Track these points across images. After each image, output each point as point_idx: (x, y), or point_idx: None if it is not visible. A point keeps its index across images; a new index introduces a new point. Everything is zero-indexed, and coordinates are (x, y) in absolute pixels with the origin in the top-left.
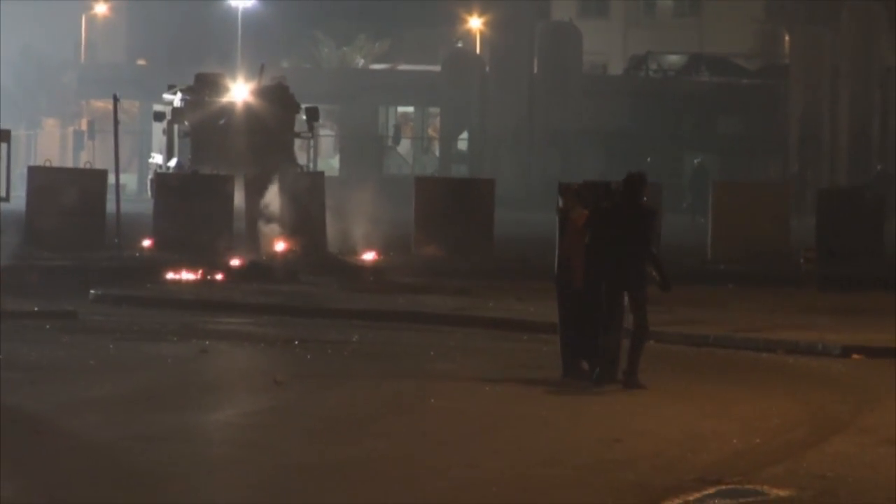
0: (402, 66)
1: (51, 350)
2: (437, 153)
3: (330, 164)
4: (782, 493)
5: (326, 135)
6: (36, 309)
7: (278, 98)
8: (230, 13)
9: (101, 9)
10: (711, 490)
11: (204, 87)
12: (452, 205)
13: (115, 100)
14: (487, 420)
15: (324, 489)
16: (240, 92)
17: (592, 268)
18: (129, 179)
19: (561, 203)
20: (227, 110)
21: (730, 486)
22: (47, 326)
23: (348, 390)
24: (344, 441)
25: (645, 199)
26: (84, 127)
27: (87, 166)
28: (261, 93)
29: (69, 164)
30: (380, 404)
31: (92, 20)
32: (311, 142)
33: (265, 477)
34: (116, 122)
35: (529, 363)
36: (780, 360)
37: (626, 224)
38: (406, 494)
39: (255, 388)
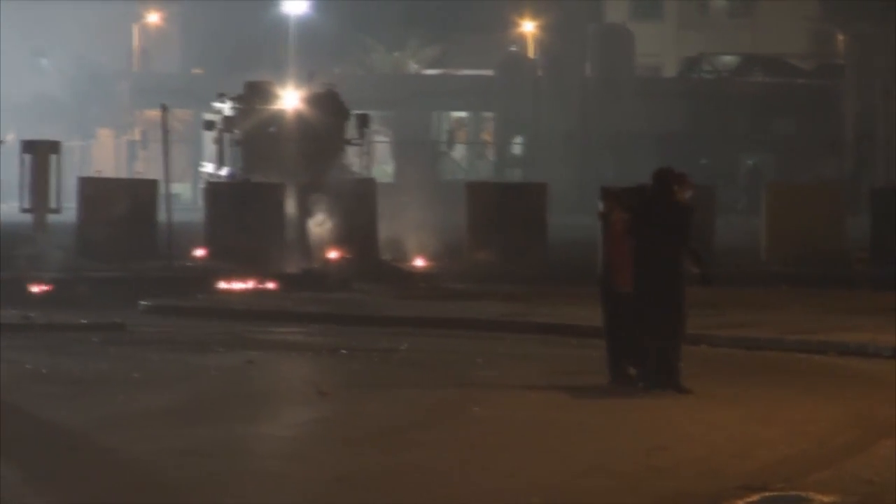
0: (456, 71)
1: (95, 363)
2: (492, 158)
3: (385, 170)
4: (827, 499)
5: (381, 141)
6: (84, 321)
7: (329, 105)
8: (283, 20)
9: (153, 18)
10: (755, 497)
11: (254, 95)
12: (505, 210)
13: (164, 109)
14: (531, 428)
15: (362, 499)
16: (290, 99)
17: (638, 271)
18: (183, 189)
19: (601, 207)
20: (278, 118)
21: (774, 493)
22: (94, 339)
23: (392, 399)
24: (385, 451)
25: (688, 194)
26: (137, 137)
27: (138, 176)
28: (311, 100)
29: (123, 174)
30: (423, 413)
31: (144, 29)
32: (365, 148)
33: (304, 489)
34: (166, 131)
35: (578, 369)
36: (831, 363)
37: (659, 221)
38: (444, 503)
39: (298, 399)
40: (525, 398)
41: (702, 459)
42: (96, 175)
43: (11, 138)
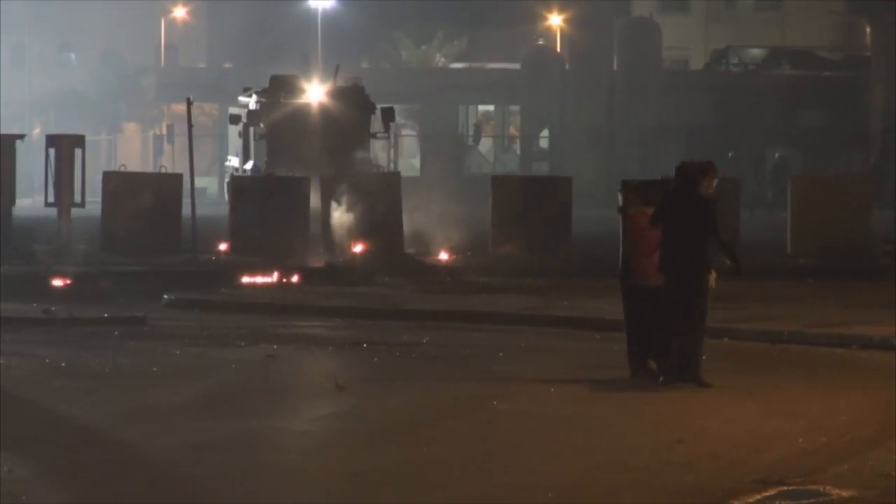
0: (482, 65)
1: (115, 357)
2: (518, 152)
3: (411, 164)
4: (845, 493)
5: (408, 135)
6: (105, 315)
7: (353, 99)
8: (310, 14)
9: (180, 13)
10: (772, 491)
11: (279, 89)
12: (529, 203)
13: (189, 103)
14: (549, 423)
15: (378, 494)
16: (315, 93)
17: (662, 264)
18: (209, 183)
19: (621, 201)
20: (303, 112)
21: (791, 487)
22: (115, 333)
23: (411, 393)
24: (403, 445)
25: (714, 183)
26: (163, 131)
27: (163, 170)
28: (336, 94)
29: (150, 168)
30: (441, 407)
31: (172, 24)
32: (391, 142)
33: (321, 484)
34: (190, 125)
35: (599, 363)
36: (854, 356)
37: (683, 214)
38: (460, 498)
39: (316, 393)
40: (545, 392)
41: (720, 454)
42: (120, 170)
43: (38, 133)
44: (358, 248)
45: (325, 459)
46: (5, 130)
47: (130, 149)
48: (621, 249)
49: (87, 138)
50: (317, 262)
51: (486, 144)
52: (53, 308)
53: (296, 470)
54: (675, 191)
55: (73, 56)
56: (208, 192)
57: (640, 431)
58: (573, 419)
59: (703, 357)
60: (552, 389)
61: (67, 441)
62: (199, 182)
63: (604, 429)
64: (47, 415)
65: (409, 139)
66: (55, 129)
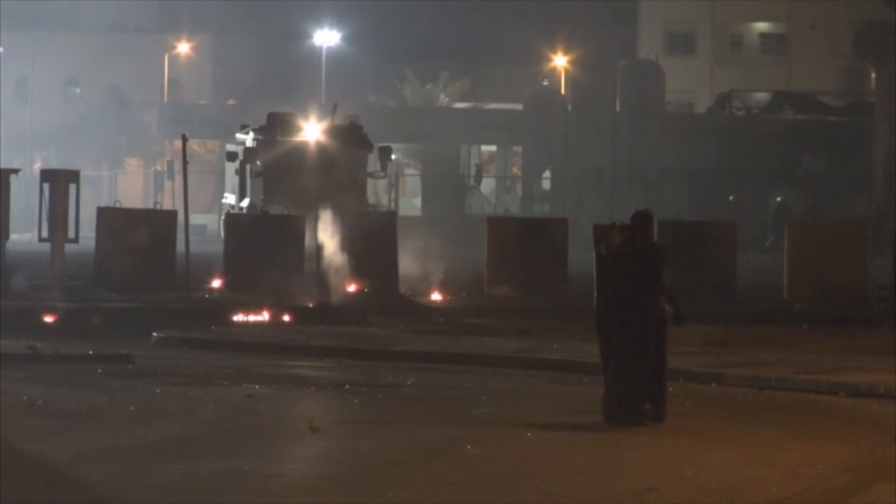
0: (485, 105)
1: (94, 395)
2: (520, 192)
3: (413, 203)
4: None
5: (411, 174)
6: (90, 352)
7: (351, 137)
8: (315, 52)
9: (184, 48)
10: None
11: (276, 126)
12: (525, 244)
13: (185, 140)
14: (521, 468)
15: None
16: (312, 131)
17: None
18: (209, 220)
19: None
20: (299, 150)
21: None
22: (99, 370)
23: (386, 436)
24: (368, 490)
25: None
26: (164, 167)
27: (158, 206)
28: (333, 132)
29: (150, 204)
30: (413, 450)
31: (176, 60)
32: (392, 181)
33: None
34: (185, 161)
35: (581, 407)
36: (840, 403)
37: (633, 260)
38: None
39: (290, 434)
40: (521, 437)
41: (690, 502)
42: (115, 205)
43: (38, 167)
44: (351, 287)
45: (290, 503)
46: (6, 164)
47: (131, 184)
48: (595, 290)
49: (88, 173)
50: (309, 300)
51: (488, 185)
52: (39, 344)
53: None
54: (631, 237)
55: (77, 90)
56: (208, 229)
57: (612, 479)
58: (546, 464)
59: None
60: (529, 434)
61: (30, 480)
62: (200, 219)
63: (575, 475)
64: (13, 453)
65: (411, 178)
66: (56, 164)
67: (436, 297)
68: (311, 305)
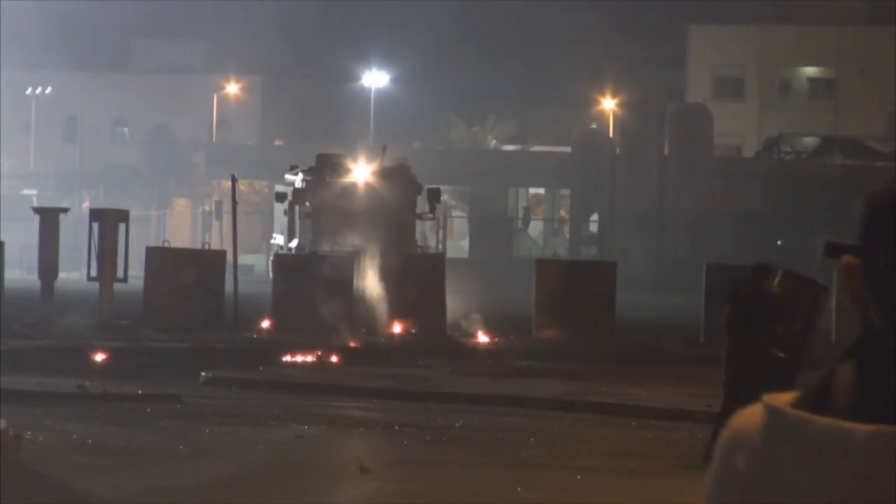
0: (533, 147)
1: (143, 434)
2: (568, 235)
3: (460, 245)
4: None
5: (458, 216)
6: (139, 391)
7: (399, 179)
8: (363, 94)
9: (233, 89)
10: None
11: (325, 167)
12: (574, 287)
13: (234, 180)
14: None
15: None
16: (361, 173)
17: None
18: (257, 260)
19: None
20: (348, 191)
21: None
22: (147, 409)
23: (435, 478)
24: None
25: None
26: (212, 207)
27: (206, 247)
28: (382, 174)
29: (198, 244)
30: (464, 493)
31: (224, 100)
32: (440, 223)
33: None
34: (234, 201)
35: (631, 451)
36: None
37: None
38: None
39: (339, 476)
40: (571, 480)
41: None
42: (164, 245)
43: (86, 206)
44: (399, 328)
45: None
46: (55, 203)
47: (180, 224)
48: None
49: (137, 213)
50: (357, 341)
51: (535, 227)
52: (87, 383)
53: None
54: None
55: (126, 130)
56: (256, 270)
57: None
58: None
59: None
60: (579, 477)
61: None
62: (247, 259)
63: None
64: (62, 492)
65: (458, 220)
66: (105, 203)
67: (483, 339)
68: (359, 346)
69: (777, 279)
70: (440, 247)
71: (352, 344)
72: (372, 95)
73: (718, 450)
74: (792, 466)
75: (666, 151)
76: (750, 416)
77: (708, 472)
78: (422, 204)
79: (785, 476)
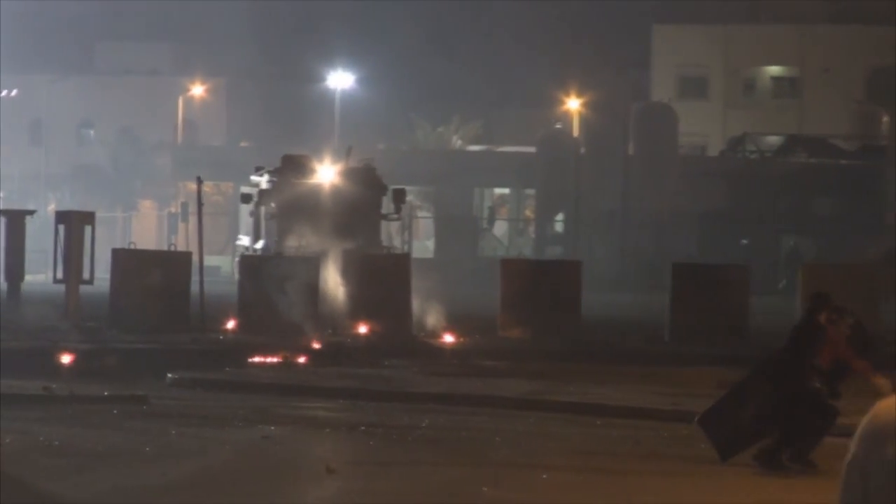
0: (498, 147)
1: (110, 435)
2: (533, 235)
3: (426, 245)
4: None
5: (424, 217)
6: (106, 393)
7: (365, 180)
8: (328, 95)
9: (198, 91)
10: None
11: (290, 168)
12: (539, 287)
13: (199, 182)
14: None
15: None
16: (326, 174)
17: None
18: (223, 262)
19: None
20: (313, 192)
21: None
22: (115, 411)
23: (401, 478)
24: None
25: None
26: (178, 209)
27: (172, 248)
28: (347, 174)
29: (164, 246)
30: (429, 492)
31: (190, 102)
32: (405, 223)
33: None
34: (200, 203)
35: (596, 450)
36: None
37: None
38: None
39: (305, 476)
40: (537, 479)
41: None
42: (130, 247)
43: (52, 209)
44: (365, 329)
45: None
46: (20, 206)
47: (145, 226)
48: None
49: (102, 215)
50: (323, 342)
51: (501, 227)
52: (54, 385)
53: None
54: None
55: (91, 132)
56: (222, 271)
57: None
58: None
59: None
60: (544, 476)
61: None
62: (214, 261)
63: None
64: (30, 495)
65: (424, 221)
66: (70, 206)
67: (449, 338)
68: (324, 346)
69: (850, 323)
70: (406, 247)
71: (317, 344)
72: (337, 96)
73: (860, 441)
74: None
75: (631, 151)
76: (892, 408)
77: (847, 463)
78: (387, 204)
79: None
